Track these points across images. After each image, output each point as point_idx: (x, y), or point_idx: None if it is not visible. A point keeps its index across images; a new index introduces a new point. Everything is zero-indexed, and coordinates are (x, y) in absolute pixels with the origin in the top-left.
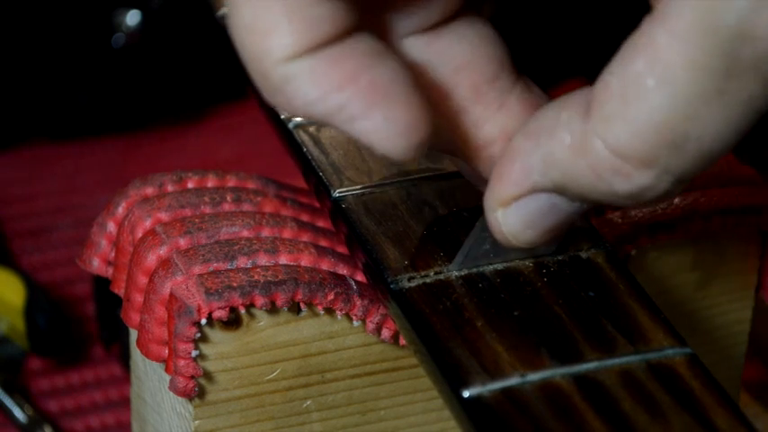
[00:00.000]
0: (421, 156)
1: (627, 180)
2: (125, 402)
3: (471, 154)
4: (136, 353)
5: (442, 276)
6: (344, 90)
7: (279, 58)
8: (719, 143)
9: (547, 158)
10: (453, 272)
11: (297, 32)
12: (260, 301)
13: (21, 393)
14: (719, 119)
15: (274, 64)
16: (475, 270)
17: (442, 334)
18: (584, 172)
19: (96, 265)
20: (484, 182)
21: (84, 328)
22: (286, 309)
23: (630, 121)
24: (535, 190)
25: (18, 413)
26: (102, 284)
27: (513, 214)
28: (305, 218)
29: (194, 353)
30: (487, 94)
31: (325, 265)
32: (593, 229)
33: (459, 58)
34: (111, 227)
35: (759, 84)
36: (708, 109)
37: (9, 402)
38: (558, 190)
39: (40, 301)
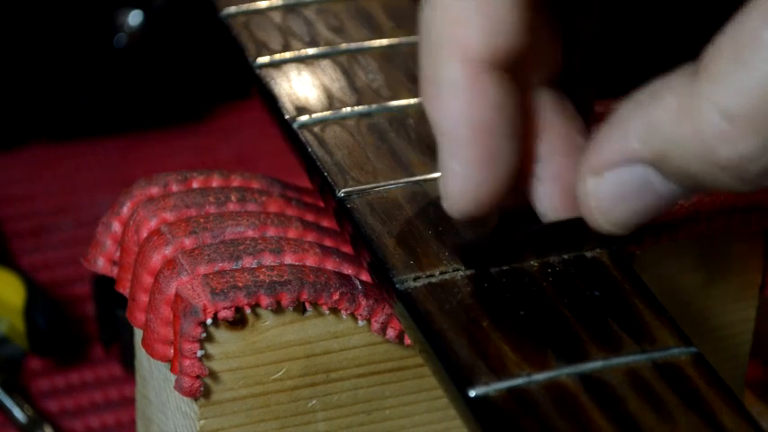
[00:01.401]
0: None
1: (731, 146)
2: (125, 402)
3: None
4: (141, 352)
5: (447, 276)
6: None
7: (457, 52)
8: None
9: (649, 124)
10: (459, 272)
11: (483, 30)
12: (265, 300)
13: (21, 393)
14: None
15: (447, 59)
16: (480, 270)
17: (448, 334)
18: (687, 137)
19: (101, 265)
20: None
21: (84, 328)
22: (291, 309)
23: (742, 80)
24: (632, 160)
25: (18, 413)
26: (101, 285)
27: (605, 184)
28: (310, 218)
29: (200, 352)
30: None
31: (330, 265)
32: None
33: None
34: (116, 226)
35: None
36: None
37: (9, 402)
38: (656, 161)
39: (40, 301)
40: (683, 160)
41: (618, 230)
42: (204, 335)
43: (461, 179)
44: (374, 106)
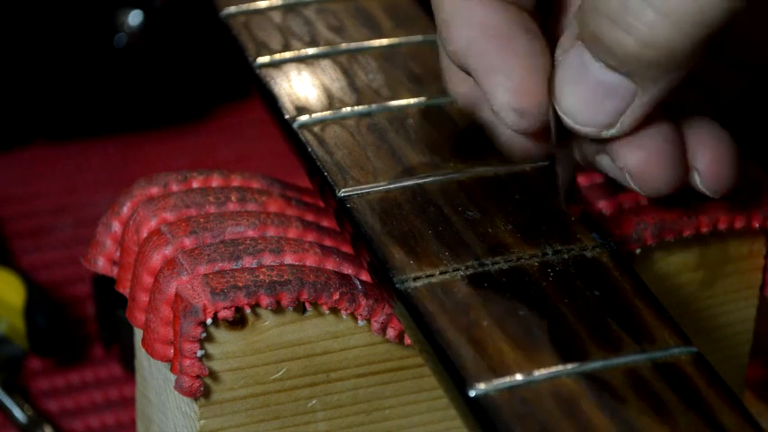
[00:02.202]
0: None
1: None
2: (125, 402)
3: None
4: (141, 352)
5: (447, 276)
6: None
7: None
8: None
9: (585, 5)
10: (459, 272)
11: None
12: (265, 300)
13: (21, 393)
14: None
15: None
16: (480, 270)
17: (448, 333)
18: (604, 16)
19: (101, 265)
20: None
21: (84, 328)
22: (291, 308)
23: None
24: (576, 38)
25: (18, 413)
26: (101, 285)
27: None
28: (310, 217)
29: (200, 352)
30: None
31: (330, 265)
32: (598, 227)
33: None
34: (116, 226)
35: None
36: None
37: (9, 402)
38: (587, 39)
39: (40, 301)
40: (596, 32)
41: (563, 109)
42: (204, 335)
43: (505, 81)
44: (374, 106)
